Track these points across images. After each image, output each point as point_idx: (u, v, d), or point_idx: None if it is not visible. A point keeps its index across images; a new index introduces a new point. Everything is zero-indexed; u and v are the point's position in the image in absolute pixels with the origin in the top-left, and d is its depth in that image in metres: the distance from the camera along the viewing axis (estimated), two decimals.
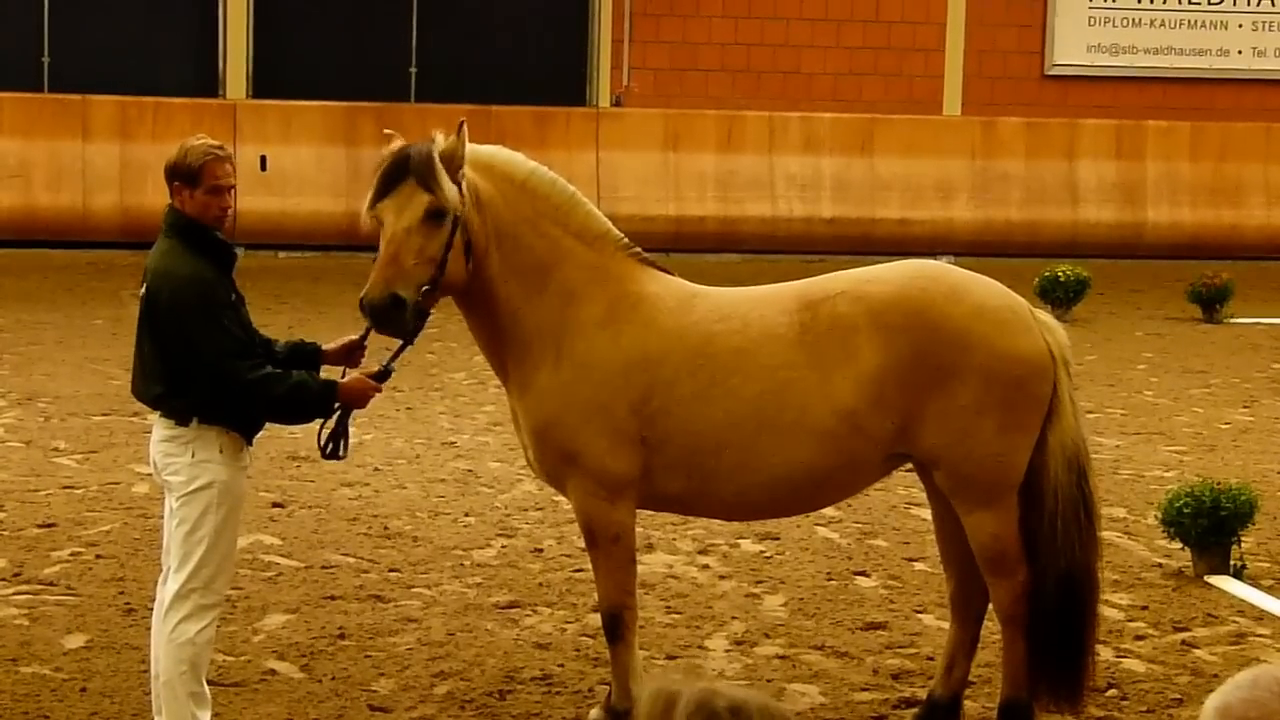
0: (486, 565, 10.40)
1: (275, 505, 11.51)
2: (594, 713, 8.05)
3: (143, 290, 7.42)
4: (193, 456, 7.34)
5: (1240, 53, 25.22)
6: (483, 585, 10.07)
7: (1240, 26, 25.19)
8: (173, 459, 7.39)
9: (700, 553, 10.67)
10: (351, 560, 10.42)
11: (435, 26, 23.97)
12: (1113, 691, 8.74)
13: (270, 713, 8.27)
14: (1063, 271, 19.62)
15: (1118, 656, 9.22)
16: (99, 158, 22.06)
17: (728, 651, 9.15)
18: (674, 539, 10.94)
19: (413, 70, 23.91)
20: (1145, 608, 9.97)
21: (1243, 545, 10.51)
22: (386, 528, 11.07)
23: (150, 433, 7.66)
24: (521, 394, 7.79)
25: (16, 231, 21.59)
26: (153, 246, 7.53)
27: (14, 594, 9.73)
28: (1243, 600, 10.10)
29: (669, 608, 9.80)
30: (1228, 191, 24.26)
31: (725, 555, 10.65)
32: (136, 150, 21.81)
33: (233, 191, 7.41)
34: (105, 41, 23.36)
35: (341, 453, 7.68)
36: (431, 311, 7.63)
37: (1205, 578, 10.40)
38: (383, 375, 7.63)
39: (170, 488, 7.47)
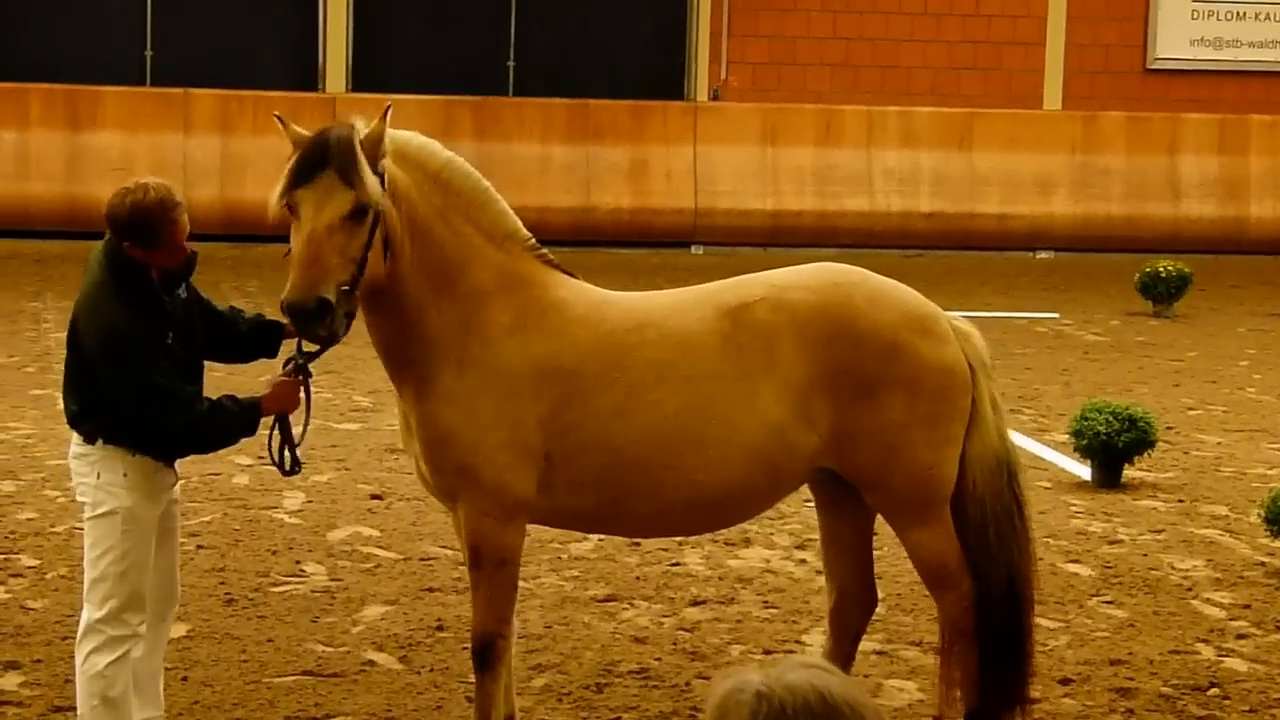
0: (584, 558, 10.41)
1: (374, 497, 11.57)
2: None
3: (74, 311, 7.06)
4: (98, 478, 6.98)
5: None
6: (580, 578, 10.08)
7: None
8: (81, 478, 7.05)
9: (798, 547, 10.65)
10: (450, 552, 10.44)
11: (534, 20, 24.01)
12: (1214, 691, 8.67)
13: (369, 704, 8.31)
14: (1164, 267, 19.45)
15: (1220, 655, 9.14)
16: (200, 151, 22.22)
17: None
18: (771, 534, 10.92)
19: (511, 64, 23.97)
20: (1248, 606, 9.87)
21: None
22: None
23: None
24: (419, 399, 7.25)
25: None
26: (90, 260, 7.11)
27: None
28: None
29: (766, 603, 9.79)
30: None
31: None
32: (237, 144, 21.94)
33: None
34: (207, 36, 23.54)
35: (296, 466, 7.30)
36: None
37: None
38: (299, 368, 7.20)
39: (82, 507, 7.14)
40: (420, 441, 7.32)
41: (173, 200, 7.01)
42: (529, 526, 10.85)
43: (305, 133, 7.04)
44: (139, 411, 6.91)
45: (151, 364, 6.90)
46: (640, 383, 7.29)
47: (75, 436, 7.10)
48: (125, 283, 6.97)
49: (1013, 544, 7.60)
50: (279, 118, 7.14)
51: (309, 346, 7.20)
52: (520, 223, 7.41)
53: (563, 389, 7.25)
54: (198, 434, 7.06)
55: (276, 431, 7.29)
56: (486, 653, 7.39)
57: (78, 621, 7.31)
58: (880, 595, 9.59)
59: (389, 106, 7.05)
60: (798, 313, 7.33)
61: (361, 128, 7.02)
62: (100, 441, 6.99)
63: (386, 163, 7.04)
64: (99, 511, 7.00)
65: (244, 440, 7.36)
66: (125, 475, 6.98)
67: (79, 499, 7.17)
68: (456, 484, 7.31)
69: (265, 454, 7.39)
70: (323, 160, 6.90)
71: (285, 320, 7.28)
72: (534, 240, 7.43)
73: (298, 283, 6.85)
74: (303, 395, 7.30)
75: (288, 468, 7.32)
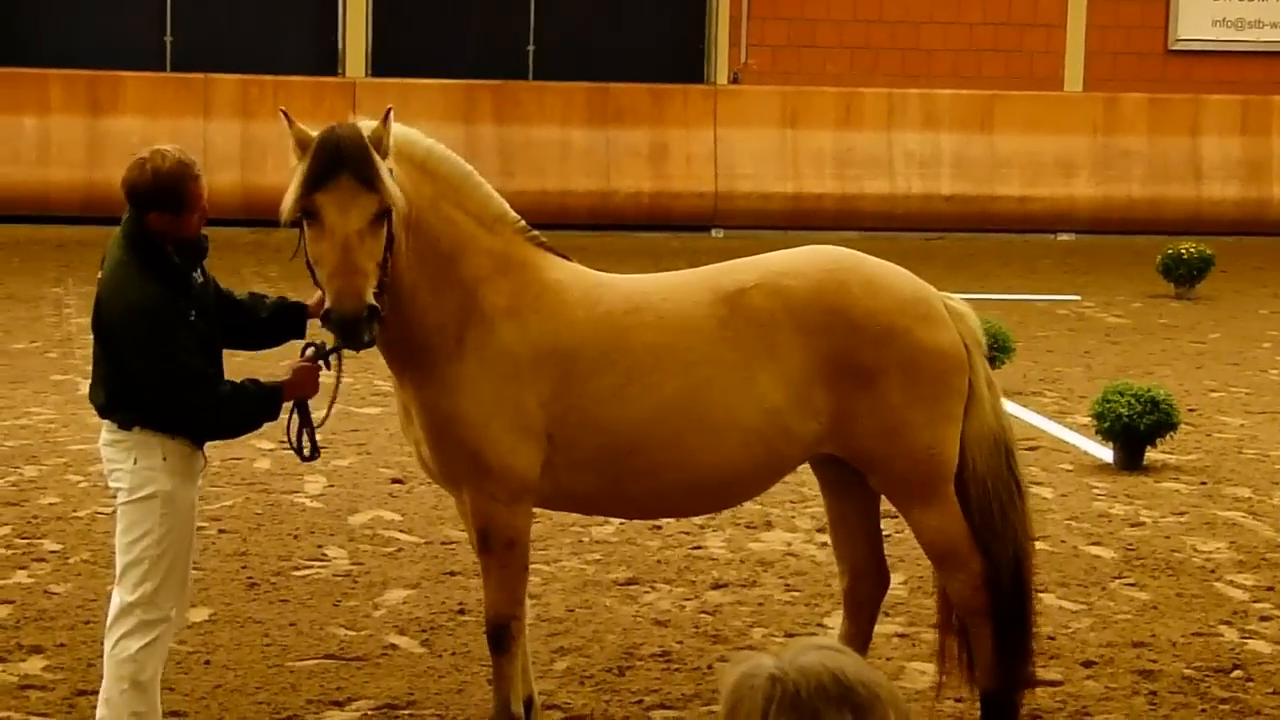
0: (605, 542, 10.41)
1: (395, 481, 11.58)
2: None
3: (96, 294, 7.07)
4: (135, 463, 6.94)
5: None
6: (601, 561, 10.09)
7: None
8: (116, 465, 7.00)
9: (819, 530, 10.63)
10: None
11: (553, 4, 23.99)
12: (1238, 673, 8.66)
13: (391, 687, 8.32)
14: (1186, 249, 19.41)
15: (1243, 638, 9.12)
16: (220, 136, 22.22)
17: None
18: (793, 517, 10.92)
19: (530, 48, 23.95)
20: (1270, 589, 9.86)
21: None
22: None
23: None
24: (419, 387, 7.25)
25: None
26: (109, 246, 7.09)
27: None
28: None
29: (788, 585, 9.79)
30: None
31: None
32: (257, 129, 21.96)
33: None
34: (226, 21, 23.55)
35: (315, 452, 7.30)
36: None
37: None
38: (320, 353, 7.18)
39: (115, 494, 7.11)
40: (424, 429, 7.32)
41: (190, 159, 6.99)
42: (550, 512, 10.84)
43: (310, 132, 6.99)
44: (165, 393, 6.90)
45: (177, 342, 6.87)
46: (638, 365, 7.31)
47: (108, 424, 7.08)
48: (148, 260, 6.95)
49: (1017, 522, 7.62)
50: (285, 113, 7.08)
51: (330, 340, 7.19)
52: (507, 205, 7.40)
53: (562, 370, 7.27)
54: (221, 417, 7.04)
55: (295, 416, 7.28)
56: (501, 635, 7.42)
57: (101, 606, 7.32)
58: (902, 578, 9.62)
59: (390, 109, 7.01)
60: (794, 300, 7.34)
61: (365, 127, 6.97)
62: (136, 428, 6.96)
63: (389, 161, 7.00)
64: (138, 495, 6.97)
65: (266, 431, 7.35)
66: (165, 459, 6.96)
67: (111, 485, 7.13)
68: (462, 469, 7.31)
69: (285, 439, 7.39)
70: (338, 162, 6.85)
71: (308, 303, 7.29)
72: (523, 222, 7.42)
73: (344, 291, 6.81)
74: (332, 377, 7.26)
75: (307, 454, 7.31)
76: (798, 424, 7.34)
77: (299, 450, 7.31)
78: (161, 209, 6.92)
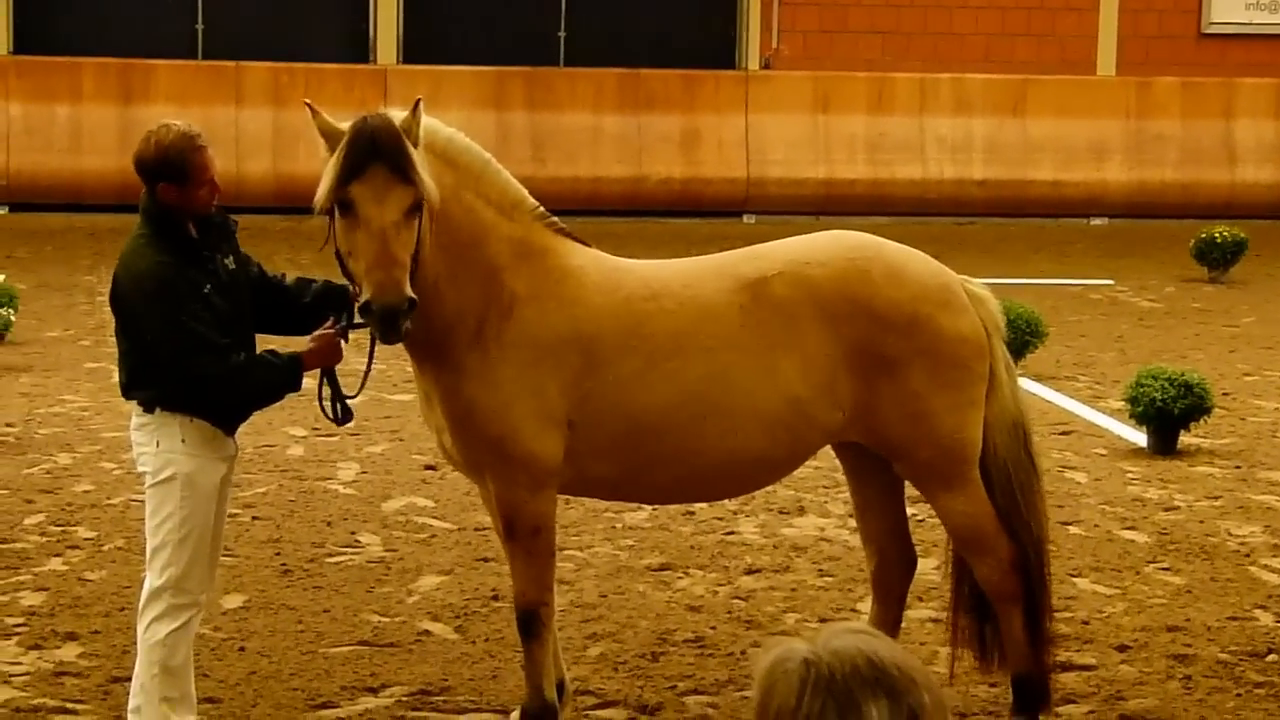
0: (638, 528, 10.41)
1: (428, 468, 11.59)
2: (513, 716, 7.68)
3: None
4: (157, 446, 7.00)
5: None
6: (634, 547, 10.09)
7: None
8: (141, 448, 7.06)
9: (852, 516, 10.61)
10: None
11: None
12: (1273, 656, 8.63)
13: (425, 673, 8.34)
14: (1220, 233, 19.35)
15: (1278, 622, 9.09)
16: (252, 124, 22.26)
17: None
18: (825, 502, 10.91)
19: (562, 34, 23.95)
20: None
21: None
22: None
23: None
24: (440, 376, 7.23)
25: None
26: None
27: None
28: None
29: (821, 571, 9.78)
30: None
31: None
32: (289, 116, 21.99)
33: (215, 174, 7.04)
34: (258, 9, 23.59)
35: (348, 415, 7.34)
36: None
37: None
38: (340, 322, 7.22)
39: (143, 478, 7.17)
40: (446, 418, 7.31)
41: (194, 132, 7.06)
42: (582, 498, 10.84)
43: (336, 124, 6.97)
44: (176, 360, 6.90)
45: (186, 309, 6.88)
46: (659, 351, 7.30)
47: (135, 408, 7.11)
48: (161, 232, 7.00)
49: (1037, 504, 7.65)
50: (310, 105, 7.08)
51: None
52: (525, 191, 7.38)
53: (583, 355, 7.26)
54: (234, 385, 7.02)
55: (326, 385, 7.31)
56: (531, 621, 7.43)
57: (135, 593, 7.34)
58: (934, 564, 9.59)
59: (420, 99, 7.00)
60: (816, 290, 7.33)
61: (395, 117, 6.94)
62: (158, 410, 7.01)
63: (420, 152, 6.98)
64: (159, 478, 7.02)
65: (299, 417, 7.36)
66: (184, 441, 7.00)
67: (139, 469, 7.19)
68: (485, 457, 7.31)
69: (320, 425, 7.42)
70: (372, 154, 6.84)
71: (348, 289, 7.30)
72: (541, 208, 7.40)
73: (385, 283, 6.79)
74: (354, 346, 7.26)
75: (339, 418, 7.34)
76: (820, 412, 7.35)
77: (334, 416, 7.34)
78: (167, 180, 6.98)
